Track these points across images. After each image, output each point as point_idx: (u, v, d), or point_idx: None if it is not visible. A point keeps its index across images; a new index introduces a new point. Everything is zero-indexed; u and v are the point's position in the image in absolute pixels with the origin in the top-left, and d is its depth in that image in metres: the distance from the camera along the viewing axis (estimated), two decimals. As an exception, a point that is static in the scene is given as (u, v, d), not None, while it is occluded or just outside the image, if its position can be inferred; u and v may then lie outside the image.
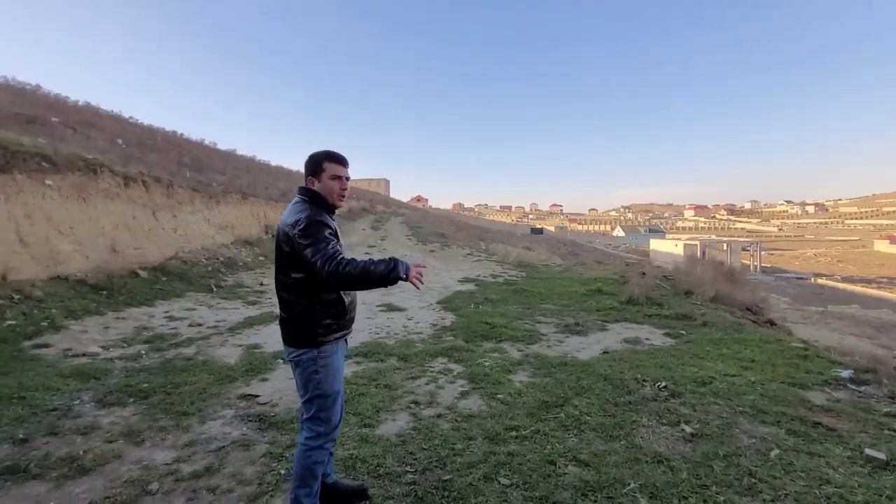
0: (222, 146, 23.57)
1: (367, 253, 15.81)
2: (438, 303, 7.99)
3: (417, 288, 1.95)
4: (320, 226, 1.90)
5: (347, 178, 2.08)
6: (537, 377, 4.20)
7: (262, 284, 9.26)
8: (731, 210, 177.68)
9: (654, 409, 3.46)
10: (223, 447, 2.90)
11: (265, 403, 3.58)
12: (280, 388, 3.91)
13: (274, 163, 28.42)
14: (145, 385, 3.78)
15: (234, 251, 11.17)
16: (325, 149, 2.12)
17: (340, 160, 2.06)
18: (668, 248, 54.70)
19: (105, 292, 6.54)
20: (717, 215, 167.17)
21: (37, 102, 13.02)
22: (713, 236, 79.43)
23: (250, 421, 3.28)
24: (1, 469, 2.54)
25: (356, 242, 18.51)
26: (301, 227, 1.87)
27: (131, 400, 3.53)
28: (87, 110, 16.24)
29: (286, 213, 1.98)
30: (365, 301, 7.64)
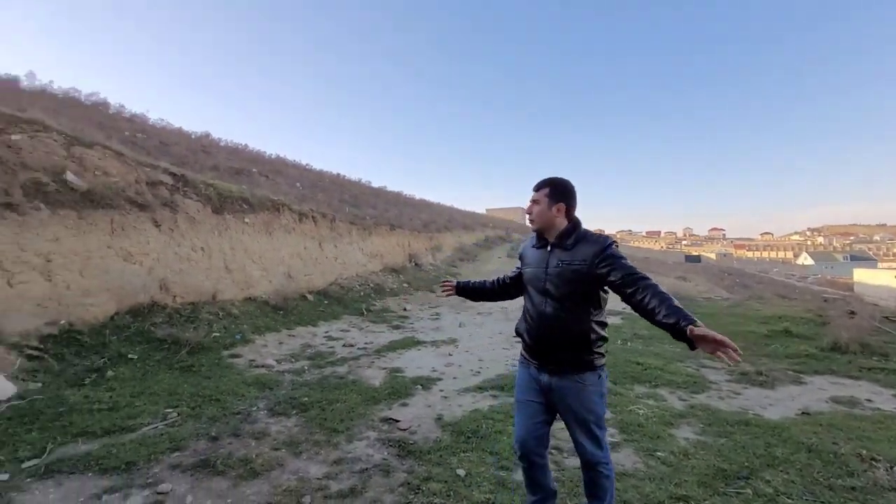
0: (375, 184, 26.47)
1: (503, 281, 15.78)
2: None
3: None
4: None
5: (533, 201, 2.08)
6: (708, 436, 3.47)
7: (405, 310, 9.85)
8: None
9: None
10: (366, 469, 2.98)
11: (405, 429, 3.63)
12: (419, 414, 3.95)
13: (418, 196, 30.79)
14: (305, 399, 4.18)
15: (381, 278, 12.19)
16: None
17: (536, 186, 2.11)
18: (883, 280, 42.86)
19: (282, 312, 7.65)
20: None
21: (243, 157, 16.37)
22: (957, 265, 59.72)
23: (391, 446, 3.34)
24: (197, 462, 3.00)
25: (492, 270, 18.68)
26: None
27: (294, 412, 3.92)
28: (277, 161, 19.85)
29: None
30: (502, 330, 7.51)
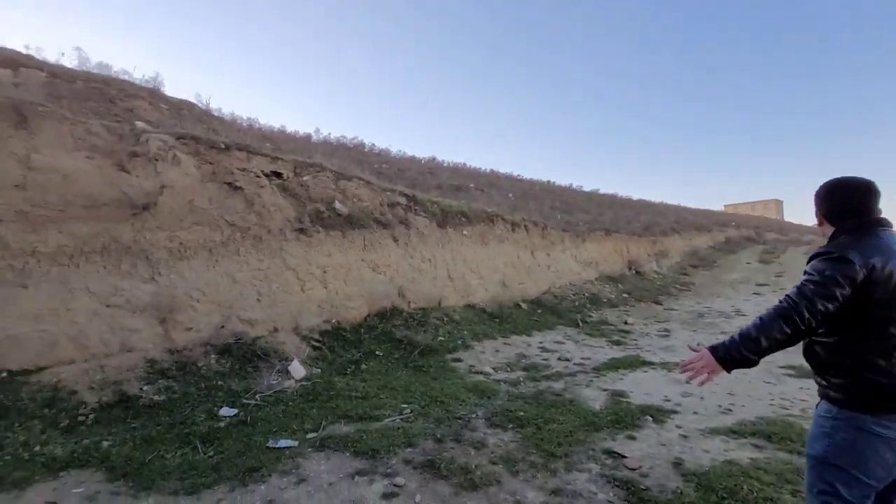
0: (586, 188, 25.33)
1: (756, 293, 12.74)
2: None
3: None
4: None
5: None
6: None
7: (626, 323, 8.89)
8: None
9: None
10: (588, 510, 2.63)
11: (634, 469, 3.11)
12: (651, 453, 3.35)
13: (636, 197, 28.05)
14: (521, 414, 4.08)
15: (598, 287, 11.40)
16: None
17: None
18: None
19: (497, 320, 7.89)
20: None
21: (462, 174, 17.96)
22: None
23: (616, 486, 2.89)
24: (425, 461, 3.20)
25: (739, 279, 15.34)
26: None
27: (510, 425, 3.85)
28: (491, 175, 21.10)
29: None
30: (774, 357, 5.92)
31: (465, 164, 21.40)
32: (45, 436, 3.30)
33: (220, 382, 4.32)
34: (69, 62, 8.64)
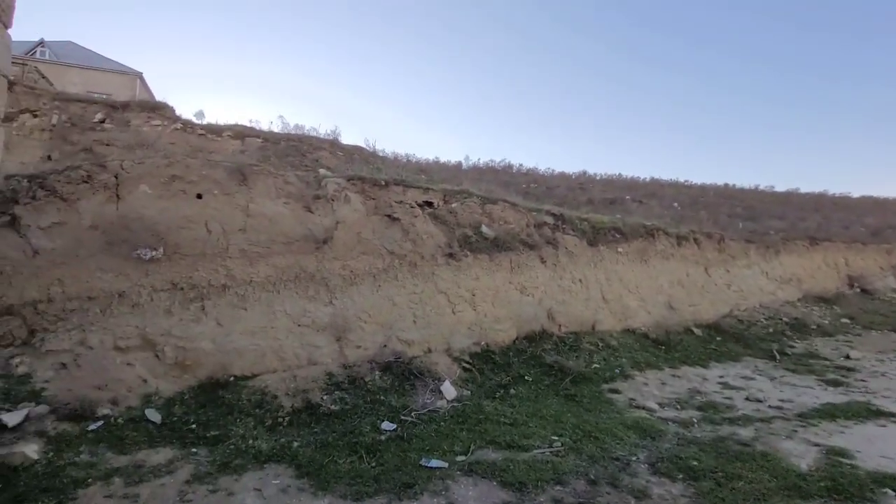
0: (780, 188, 20.99)
1: None
2: None
3: None
4: None
5: None
6: None
7: (847, 357, 6.92)
8: None
9: None
10: None
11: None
12: (895, 543, 2.47)
13: (855, 194, 22.09)
14: (695, 463, 3.47)
15: (802, 310, 9.20)
16: None
17: None
18: None
19: (663, 347, 6.99)
20: None
21: (617, 186, 16.72)
22: None
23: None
24: (575, 503, 2.95)
25: None
26: None
27: (680, 475, 3.31)
28: (652, 184, 19.15)
29: None
30: None
31: (619, 174, 19.92)
32: (256, 431, 4.06)
33: (382, 397, 4.75)
34: (276, 128, 10.91)
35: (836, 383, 5.76)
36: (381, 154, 13.10)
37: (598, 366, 6.03)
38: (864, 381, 5.89)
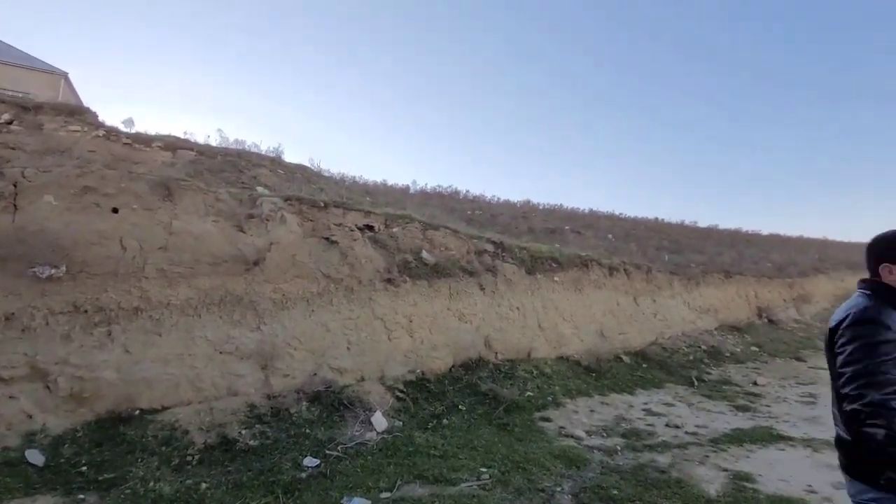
0: (702, 224, 22.89)
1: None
2: None
3: None
4: (871, 326, 1.47)
5: None
6: None
7: (755, 384, 7.51)
8: None
9: None
10: None
11: (761, 587, 2.46)
12: (786, 566, 2.64)
13: (765, 231, 24.57)
14: (615, 492, 3.55)
15: (718, 338, 9.94)
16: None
17: None
18: None
19: (594, 374, 7.23)
20: None
21: (557, 216, 17.45)
22: None
23: None
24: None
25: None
26: (846, 322, 1.53)
27: (601, 506, 3.37)
28: (590, 215, 20.18)
29: (838, 310, 1.65)
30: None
31: (560, 205, 20.81)
32: (159, 472, 3.68)
33: (307, 430, 4.50)
34: (213, 141, 10.42)
35: (744, 409, 6.21)
36: (326, 174, 12.86)
37: (531, 394, 6.11)
38: (768, 406, 6.40)
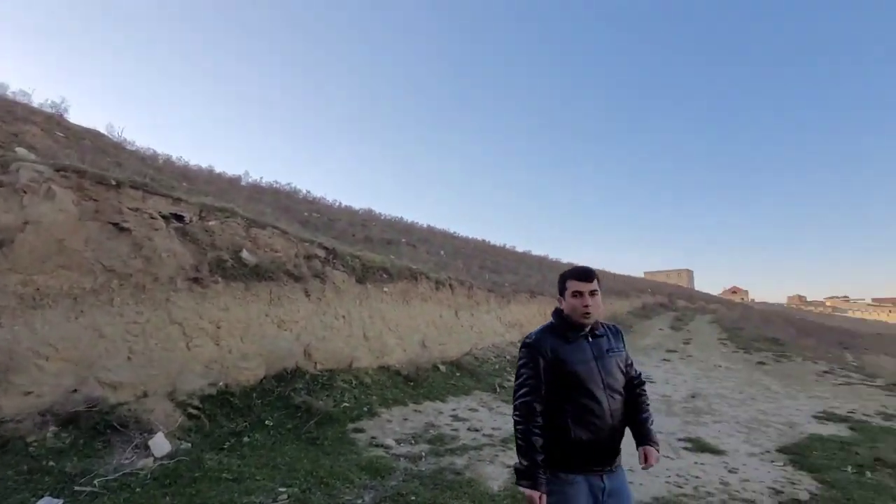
0: (519, 249, 26.27)
1: (665, 359, 13.39)
2: (781, 451, 5.45)
3: None
4: (527, 351, 1.99)
5: (592, 293, 1.96)
6: None
7: (543, 388, 8.84)
8: None
9: None
10: None
11: (520, 568, 2.84)
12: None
13: (565, 259, 29.48)
14: (413, 498, 3.71)
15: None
16: (575, 266, 2.17)
17: (580, 275, 2.00)
18: None
19: (412, 383, 7.51)
20: None
21: (397, 228, 17.90)
22: None
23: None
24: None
25: (651, 345, 16.13)
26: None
27: (398, 514, 3.46)
28: (427, 230, 21.25)
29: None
30: (662, 429, 6.00)
31: (401, 218, 21.38)
32: None
33: (50, 463, 3.55)
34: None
35: (532, 411, 7.22)
36: (129, 147, 10.73)
37: (347, 404, 6.01)
38: (550, 407, 7.57)
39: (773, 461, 5.08)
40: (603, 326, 2.06)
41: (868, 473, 4.59)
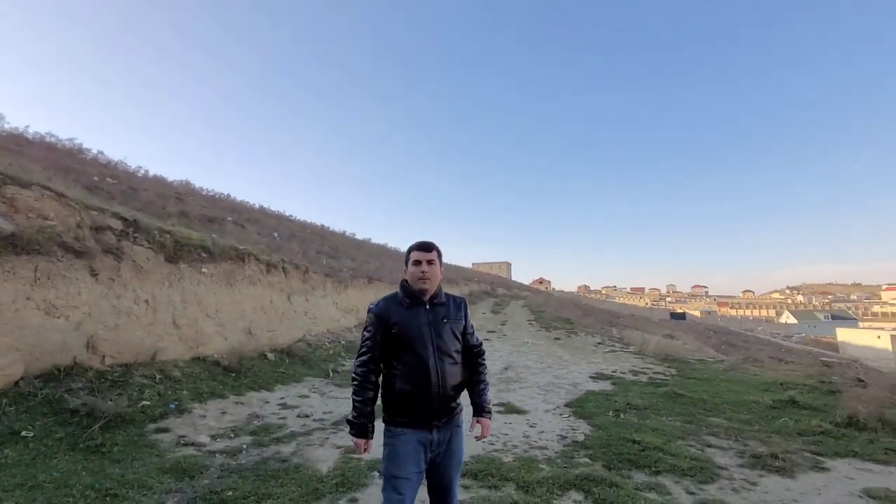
0: (360, 236, 26.06)
1: (486, 339, 15.00)
2: (567, 405, 6.66)
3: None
4: (370, 317, 2.14)
5: (430, 262, 2.12)
6: (730, 550, 2.76)
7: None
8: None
9: None
10: None
11: (347, 541, 2.84)
12: (368, 516, 3.15)
13: (403, 248, 30.39)
14: (230, 493, 3.36)
15: (355, 334, 11.37)
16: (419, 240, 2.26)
17: (421, 246, 2.16)
18: (865, 339, 42.89)
19: (234, 375, 6.79)
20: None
21: (222, 206, 15.85)
22: (936, 326, 60.07)
23: (324, 568, 2.55)
24: None
25: (476, 327, 17.83)
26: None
27: (210, 513, 3.10)
28: (258, 211, 19.35)
29: None
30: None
31: (228, 195, 19.04)
32: None
33: None
34: None
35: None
36: None
37: (147, 402, 5.10)
38: (383, 388, 7.74)
39: (561, 414, 6.18)
40: (447, 297, 2.22)
41: (622, 415, 5.97)
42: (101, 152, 14.00)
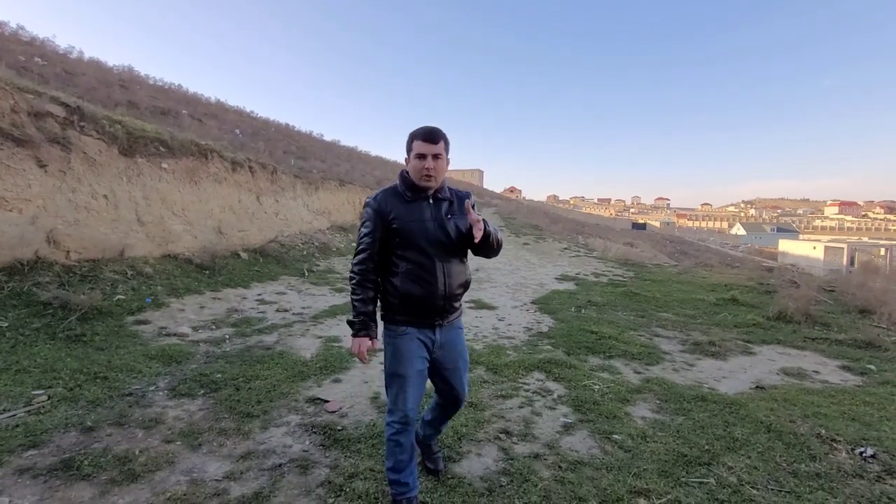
0: (328, 137, 24.80)
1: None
2: (533, 303, 7.14)
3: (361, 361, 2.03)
4: (367, 211, 1.98)
5: (436, 156, 1.91)
6: (665, 414, 3.23)
7: (352, 271, 9.19)
8: (892, 208, 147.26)
9: (862, 492, 2.34)
10: (279, 465, 2.47)
11: (333, 412, 3.13)
12: (352, 392, 3.46)
13: (374, 153, 29.37)
14: (218, 375, 3.56)
15: (328, 236, 11.39)
16: (423, 125, 1.98)
17: (426, 136, 1.90)
18: (802, 250, 46.81)
19: (208, 272, 6.80)
20: (870, 213, 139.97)
21: (174, 97, 14.49)
22: (865, 238, 65.79)
23: (314, 433, 2.84)
24: (57, 463, 2.36)
25: (447, 232, 18.17)
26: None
27: (201, 391, 3.31)
28: (216, 105, 17.84)
29: None
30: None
31: (180, 85, 17.32)
32: None
33: None
34: None
35: (341, 290, 7.48)
36: None
37: (122, 297, 5.11)
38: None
39: (528, 310, 6.65)
40: (450, 191, 2.05)
41: (583, 310, 6.49)
42: (22, 27, 12.16)
